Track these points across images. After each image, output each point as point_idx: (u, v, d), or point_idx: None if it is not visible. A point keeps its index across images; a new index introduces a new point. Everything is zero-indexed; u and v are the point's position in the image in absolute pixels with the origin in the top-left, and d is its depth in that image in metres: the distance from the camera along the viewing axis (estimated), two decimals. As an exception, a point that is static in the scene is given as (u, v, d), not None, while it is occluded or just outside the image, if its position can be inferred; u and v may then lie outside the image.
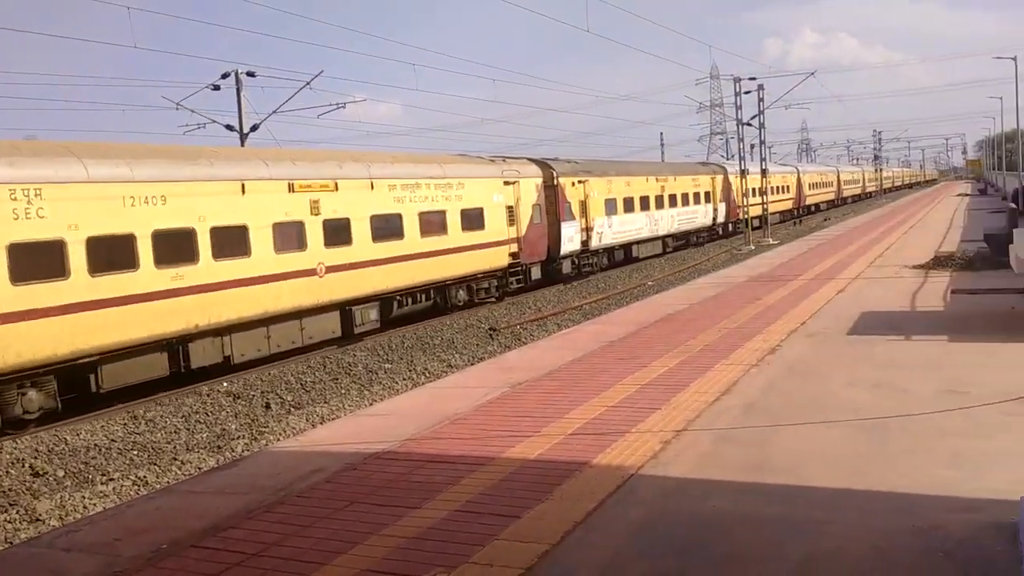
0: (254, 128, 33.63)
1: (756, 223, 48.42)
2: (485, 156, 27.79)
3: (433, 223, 23.21)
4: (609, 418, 7.73)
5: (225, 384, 17.04)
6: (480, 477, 6.28)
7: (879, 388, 8.16)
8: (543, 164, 30.07)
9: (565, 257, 30.42)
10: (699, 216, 44.70)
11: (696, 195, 44.30)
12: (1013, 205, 29.36)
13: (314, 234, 19.13)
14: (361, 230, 20.48)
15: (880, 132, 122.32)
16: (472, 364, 16.16)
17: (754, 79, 49.73)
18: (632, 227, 35.96)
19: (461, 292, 24.77)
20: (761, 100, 48.91)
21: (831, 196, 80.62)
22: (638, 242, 36.90)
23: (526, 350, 12.89)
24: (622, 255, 35.86)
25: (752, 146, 54.01)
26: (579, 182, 31.51)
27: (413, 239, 22.32)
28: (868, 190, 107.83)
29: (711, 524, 5.16)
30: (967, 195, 68.92)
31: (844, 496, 5.43)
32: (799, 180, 66.89)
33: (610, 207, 33.85)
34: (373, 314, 20.80)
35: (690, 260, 37.66)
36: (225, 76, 33.40)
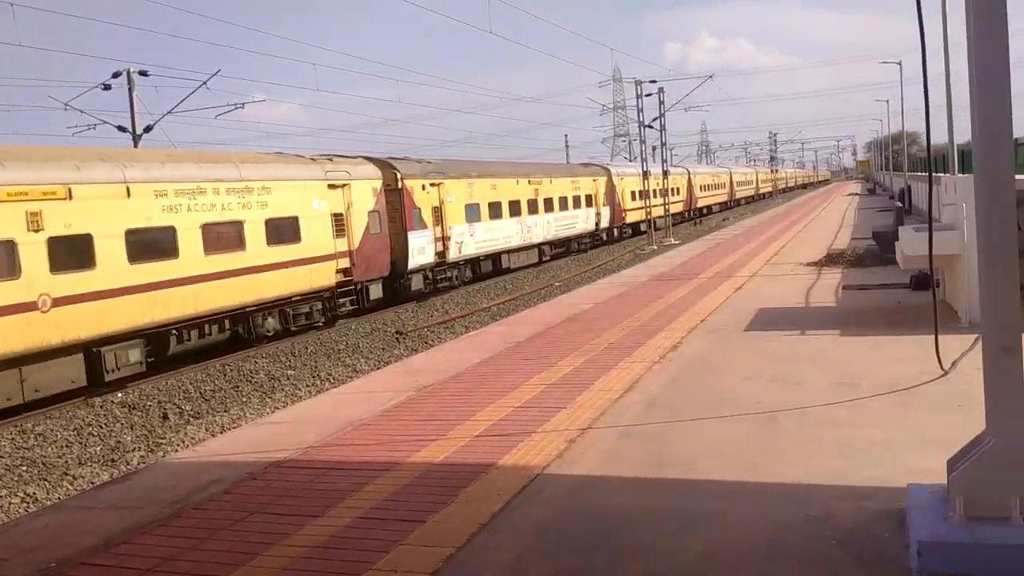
0: (148, 129, 32.55)
1: (657, 224, 49.45)
2: (306, 155, 23.85)
3: (225, 237, 19.26)
4: (515, 419, 7.74)
5: (120, 395, 16.44)
6: (384, 483, 6.20)
7: (775, 382, 8.41)
8: (384, 164, 26.55)
9: (415, 272, 26.91)
10: (580, 221, 42.26)
11: (576, 199, 41.83)
12: (899, 204, 30.70)
13: (33, 257, 14.91)
14: (111, 249, 16.44)
15: (775, 134, 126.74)
16: (378, 368, 15.99)
17: (655, 82, 50.99)
18: (500, 235, 32.99)
19: (271, 319, 20.76)
20: (662, 103, 50.10)
21: (723, 198, 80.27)
22: (508, 251, 33.90)
23: (433, 353, 12.82)
24: (490, 266, 32.56)
25: (654, 148, 54.97)
26: (432, 185, 28.30)
27: (193, 258, 18.32)
28: (762, 191, 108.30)
29: (614, 520, 5.21)
30: (857, 195, 71.78)
31: (741, 488, 5.57)
32: (690, 182, 65.05)
33: (472, 213, 30.84)
34: (134, 355, 16.93)
35: (595, 261, 38.15)
36: (116, 75, 32.23)
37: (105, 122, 33.29)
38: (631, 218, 51.13)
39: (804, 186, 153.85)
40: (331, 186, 22.98)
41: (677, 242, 40.85)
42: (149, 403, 15.81)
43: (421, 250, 27.15)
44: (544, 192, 37.60)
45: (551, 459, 6.45)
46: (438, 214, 28.52)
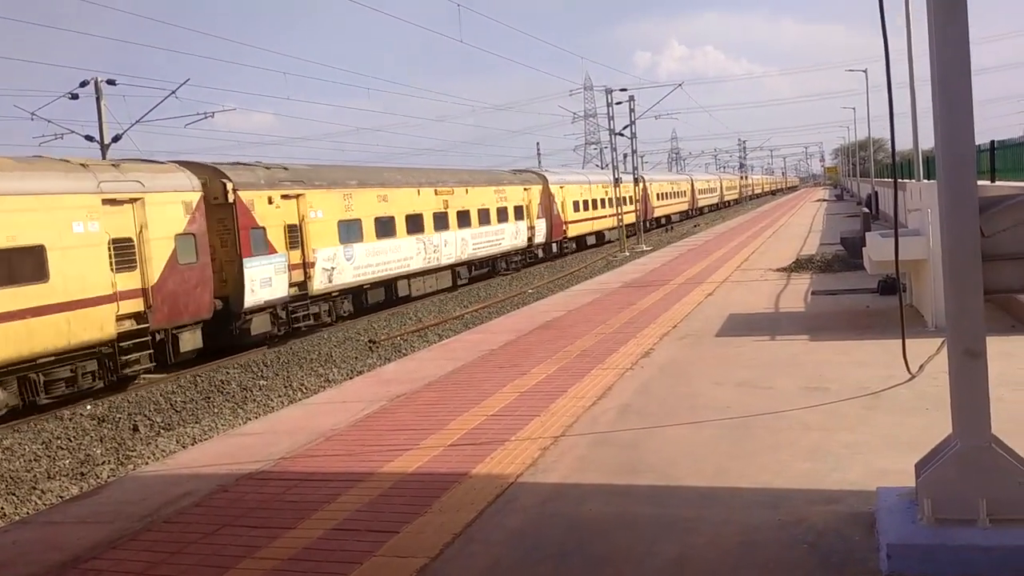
0: (116, 139, 32.26)
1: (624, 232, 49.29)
2: (75, 159, 18.02)
3: None
4: (489, 427, 7.74)
5: (88, 407, 16.23)
6: (357, 493, 6.17)
7: (746, 387, 8.47)
8: (207, 171, 20.78)
9: (256, 310, 21.03)
10: (507, 237, 36.84)
11: (503, 211, 36.36)
12: (866, 210, 31.11)
13: None
14: None
15: (745, 141, 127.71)
16: (350, 378, 15.92)
17: (625, 90, 51.29)
18: (393, 257, 27.31)
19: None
20: (632, 111, 50.37)
21: (684, 207, 75.98)
22: (407, 276, 28.24)
23: (405, 361, 12.78)
24: (381, 295, 27.04)
25: (625, 155, 55.22)
26: (286, 197, 22.55)
27: None
28: (727, 199, 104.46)
29: (588, 527, 5.22)
30: (825, 201, 72.58)
31: (713, 493, 5.60)
32: (645, 190, 59.41)
33: (350, 232, 25.12)
34: None
35: (568, 268, 38.21)
36: (84, 84, 31.93)
37: (72, 131, 33.05)
38: (575, 231, 46.36)
39: (773, 192, 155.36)
40: (109, 201, 17.18)
41: (649, 248, 41.09)
42: (119, 415, 15.62)
43: (266, 282, 21.24)
44: (457, 204, 32.12)
45: (525, 467, 6.45)
46: (295, 234, 22.79)
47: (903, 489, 4.84)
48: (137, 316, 17.78)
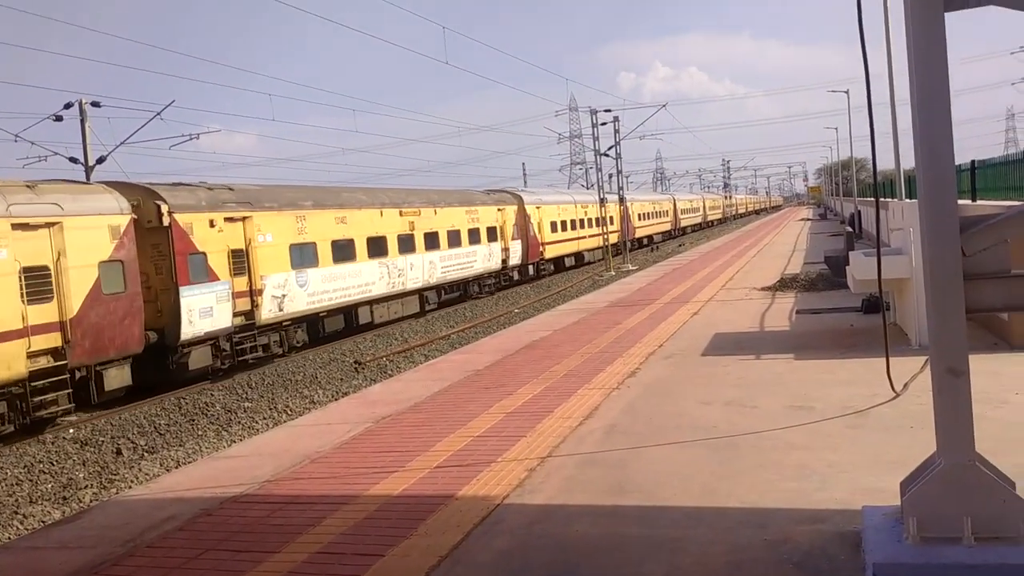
0: (100, 160, 32.13)
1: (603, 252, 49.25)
2: None
3: None
4: (475, 449, 7.71)
5: (72, 431, 16.08)
6: (343, 516, 6.13)
7: (731, 406, 8.49)
8: (139, 192, 19.14)
9: (196, 342, 19.40)
10: (480, 259, 35.08)
11: (474, 232, 34.66)
12: (850, 229, 31.34)
13: None
14: None
15: (729, 161, 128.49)
16: (335, 399, 15.83)
17: (610, 111, 51.62)
18: (354, 283, 25.74)
19: None
20: (617, 131, 50.62)
21: (667, 227, 74.80)
22: (370, 302, 26.68)
23: (391, 383, 12.74)
24: (340, 323, 25.42)
25: (610, 175, 55.39)
26: (231, 220, 20.97)
27: None
28: (711, 219, 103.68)
29: (575, 548, 5.20)
30: (809, 220, 73.11)
31: (700, 513, 5.60)
32: (626, 210, 57.22)
33: (304, 256, 23.57)
34: None
35: (554, 287, 38.26)
36: (68, 106, 31.81)
37: (57, 153, 32.79)
38: (552, 253, 44.49)
39: (757, 212, 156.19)
40: (21, 226, 15.80)
41: (634, 268, 41.17)
42: (102, 438, 15.48)
43: (206, 312, 19.62)
44: (424, 225, 30.47)
45: (511, 488, 6.43)
46: (241, 260, 21.15)
47: (888, 508, 4.85)
48: (54, 352, 16.15)
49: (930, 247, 4.47)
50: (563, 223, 46.20)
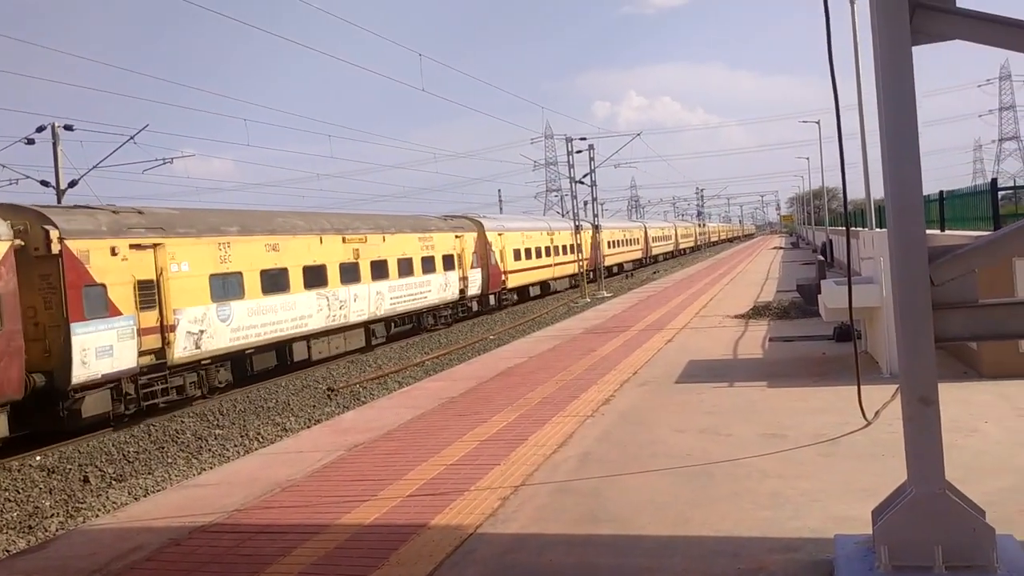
0: (72, 184, 31.85)
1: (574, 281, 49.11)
2: None
3: None
4: (448, 477, 7.66)
5: (38, 458, 15.79)
6: (313, 546, 6.05)
7: (705, 434, 8.50)
8: (31, 215, 17.06)
9: (92, 386, 17.17)
10: (434, 289, 32.88)
11: (428, 260, 32.43)
12: (821, 258, 31.63)
13: None
14: None
15: (702, 189, 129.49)
16: (308, 427, 15.68)
17: (585, 139, 51.96)
18: (286, 316, 23.31)
19: None
20: (592, 159, 50.92)
21: (637, 255, 73.47)
22: (306, 336, 24.34)
23: (364, 410, 12.64)
24: (272, 360, 23.14)
25: (585, 203, 55.58)
26: (138, 247, 18.72)
27: None
28: (683, 246, 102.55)
29: (548, 579, 5.16)
30: (782, 248, 73.81)
31: (674, 542, 5.58)
32: (595, 238, 55.28)
33: (227, 287, 21.25)
34: None
35: (530, 313, 38.25)
36: (41, 129, 31.57)
37: (28, 177, 32.52)
38: (516, 282, 42.47)
39: (731, 240, 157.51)
40: None
41: (609, 295, 41.30)
42: (69, 466, 15.22)
43: (104, 351, 17.34)
44: (371, 253, 28.32)
45: (484, 518, 6.38)
46: (150, 292, 18.87)
47: (861, 536, 4.86)
48: None
49: (899, 276, 4.52)
50: (528, 251, 44.36)
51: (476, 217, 40.80)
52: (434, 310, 33.49)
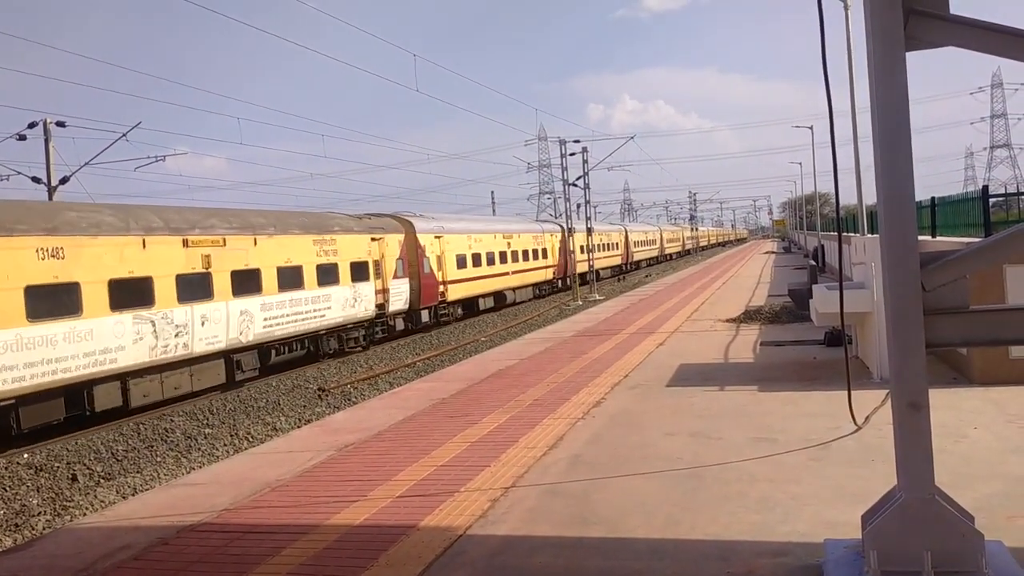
0: (64, 181, 31.72)
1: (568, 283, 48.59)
2: None
3: None
4: (438, 478, 7.64)
5: (26, 455, 15.71)
6: (302, 546, 6.03)
7: (696, 437, 8.50)
8: None
9: None
10: (338, 305, 26.47)
11: (329, 269, 26.05)
12: (813, 262, 31.73)
13: None
14: None
15: (695, 193, 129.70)
16: (298, 427, 15.64)
17: (578, 142, 51.85)
18: (78, 351, 17.04)
19: None
20: (585, 162, 50.93)
21: (616, 260, 67.77)
22: (118, 376, 18.07)
23: (355, 410, 12.61)
24: (60, 410, 16.83)
25: (578, 205, 55.46)
26: None
27: None
28: (668, 251, 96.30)
29: (537, 581, 5.15)
30: (773, 253, 73.98)
31: (663, 545, 5.58)
32: (564, 242, 50.94)
33: None
34: None
35: (522, 316, 38.23)
36: (32, 126, 31.45)
37: (19, 173, 32.39)
38: (459, 293, 36.32)
39: (723, 244, 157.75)
40: None
41: (601, 298, 41.33)
42: (57, 464, 15.14)
43: None
44: (231, 260, 21.66)
45: (474, 519, 6.37)
46: None
47: (850, 541, 4.87)
48: None
49: (891, 282, 4.53)
50: (477, 256, 38.01)
51: (405, 216, 33.91)
52: (339, 331, 26.98)
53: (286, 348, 24.38)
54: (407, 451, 8.76)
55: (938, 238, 14.55)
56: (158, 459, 15.38)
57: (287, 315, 24.01)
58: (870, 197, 20.85)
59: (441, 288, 34.33)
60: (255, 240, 23.02)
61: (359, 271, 27.91)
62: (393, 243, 30.65)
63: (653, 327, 19.54)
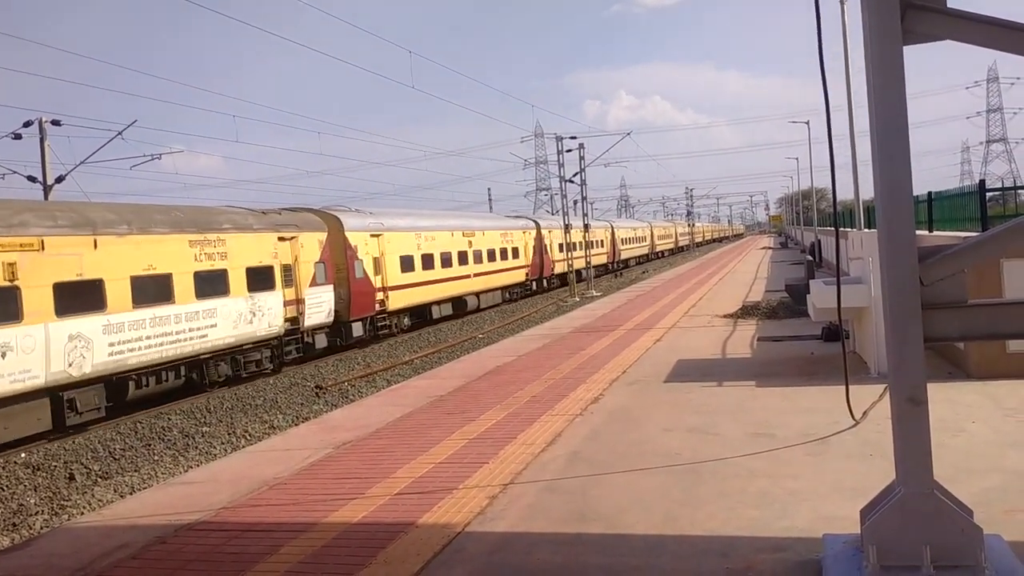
0: (60, 180, 31.67)
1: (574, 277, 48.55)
2: None
3: None
4: (437, 475, 7.64)
5: (23, 455, 15.68)
6: (301, 544, 6.02)
7: (694, 433, 8.50)
8: None
9: None
10: (227, 321, 21.42)
11: (214, 277, 21.20)
12: (810, 258, 31.72)
13: None
14: None
15: (692, 189, 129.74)
16: (296, 425, 15.63)
17: (575, 138, 51.81)
18: None
19: None
20: (582, 158, 50.90)
21: (600, 260, 62.18)
22: None
23: (353, 408, 12.60)
24: None
25: (576, 202, 55.38)
26: None
27: None
28: (660, 249, 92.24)
29: (536, 578, 5.15)
30: (770, 248, 74.01)
31: (662, 541, 5.57)
32: (540, 239, 46.36)
33: None
34: None
35: (519, 312, 38.20)
36: (28, 124, 31.38)
37: (15, 172, 32.32)
38: (404, 301, 31.35)
39: (720, 240, 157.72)
40: None
41: (599, 294, 41.32)
42: (55, 463, 15.12)
43: None
44: (54, 270, 16.97)
45: (472, 516, 6.36)
46: None
47: (849, 536, 4.87)
48: None
49: (889, 276, 4.52)
50: (428, 258, 33.49)
51: (333, 211, 28.78)
52: (232, 353, 22.04)
53: (151, 379, 19.49)
54: (405, 448, 8.75)
55: (935, 233, 14.56)
56: (155, 458, 15.36)
57: (148, 337, 19.06)
58: (867, 192, 20.87)
59: (380, 296, 29.58)
60: (95, 242, 18.03)
61: (260, 278, 22.99)
62: (311, 243, 25.70)
63: (651, 323, 19.54)
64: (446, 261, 35.10)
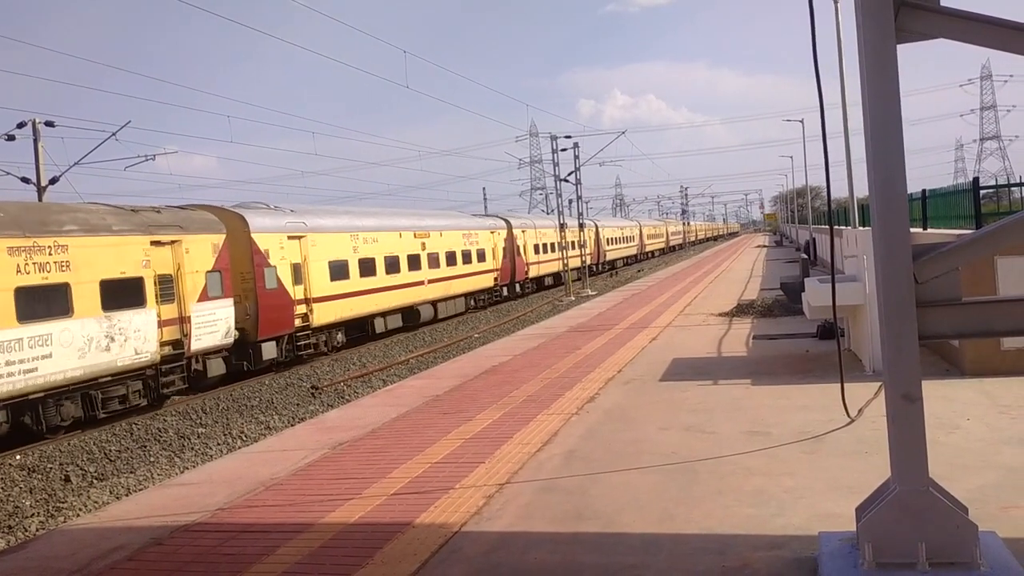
0: (53, 181, 31.58)
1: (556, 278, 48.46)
2: None
3: None
4: (433, 475, 7.64)
5: (18, 457, 15.65)
6: (297, 545, 6.01)
7: (690, 431, 8.51)
8: None
9: None
10: (74, 350, 17.01)
11: (52, 293, 16.73)
12: (805, 256, 31.78)
13: None
14: None
15: (687, 188, 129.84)
16: (292, 425, 15.62)
17: (570, 137, 51.93)
18: None
19: None
20: (577, 157, 50.94)
21: (587, 260, 54.41)
22: None
23: (348, 408, 12.59)
24: None
25: (570, 201, 55.32)
26: None
27: None
28: (650, 249, 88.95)
29: (533, 577, 5.15)
30: (765, 246, 74.07)
31: (658, 540, 5.58)
32: (512, 240, 42.94)
33: None
34: None
35: (514, 312, 38.20)
36: (21, 125, 31.29)
37: (8, 173, 32.19)
38: (332, 315, 26.71)
39: (715, 238, 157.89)
40: None
41: (594, 293, 41.34)
42: (50, 465, 15.09)
43: None
44: None
45: (469, 516, 6.36)
46: None
47: (845, 533, 4.88)
48: None
49: (883, 274, 4.53)
50: (367, 263, 29.08)
51: (240, 209, 24.21)
52: (81, 389, 17.54)
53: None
54: (401, 448, 8.75)
55: (929, 230, 14.59)
56: (151, 459, 15.35)
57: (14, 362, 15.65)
58: (861, 190, 20.89)
59: (302, 309, 25.13)
60: None
61: (123, 294, 18.45)
62: (201, 248, 21.08)
63: (646, 322, 19.55)
64: (392, 266, 30.79)
